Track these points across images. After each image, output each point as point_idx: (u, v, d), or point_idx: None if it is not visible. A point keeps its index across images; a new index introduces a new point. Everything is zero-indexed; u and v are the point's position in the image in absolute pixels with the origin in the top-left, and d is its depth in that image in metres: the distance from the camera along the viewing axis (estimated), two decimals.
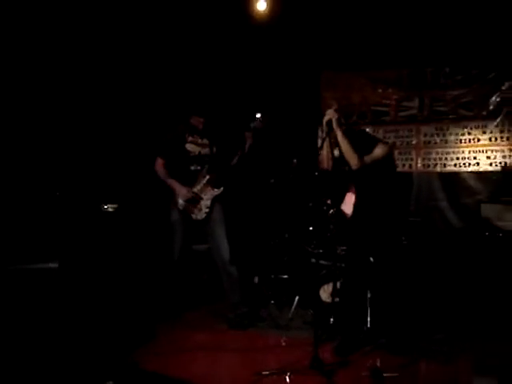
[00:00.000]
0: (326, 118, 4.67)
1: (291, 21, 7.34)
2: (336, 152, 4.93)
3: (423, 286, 5.94)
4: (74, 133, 6.89)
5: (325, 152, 4.93)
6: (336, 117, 4.60)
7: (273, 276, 6.48)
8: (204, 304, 6.33)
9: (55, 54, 6.71)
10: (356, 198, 5.05)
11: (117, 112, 7.25)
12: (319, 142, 8.15)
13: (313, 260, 5.80)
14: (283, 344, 5.09)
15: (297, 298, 5.79)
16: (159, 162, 5.56)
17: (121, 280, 6.02)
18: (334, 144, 4.75)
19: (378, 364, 4.40)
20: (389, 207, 4.87)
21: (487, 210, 6.39)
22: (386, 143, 5.43)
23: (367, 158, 4.65)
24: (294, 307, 5.76)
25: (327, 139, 4.72)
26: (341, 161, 4.79)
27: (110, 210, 6.42)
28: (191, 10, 7.01)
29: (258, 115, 5.59)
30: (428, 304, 5.79)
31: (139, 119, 7.42)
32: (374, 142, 4.86)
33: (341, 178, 5.13)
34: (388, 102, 7.73)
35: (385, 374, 4.09)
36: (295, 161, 6.36)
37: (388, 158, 4.86)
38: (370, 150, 4.71)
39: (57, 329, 4.92)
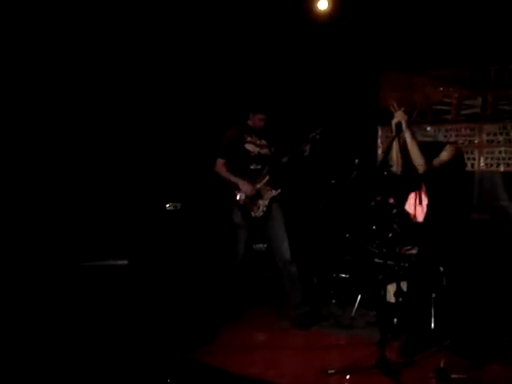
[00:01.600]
0: (395, 120, 4.66)
1: (351, 20, 7.36)
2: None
3: (489, 288, 5.85)
4: (139, 134, 7.04)
5: (394, 155, 4.87)
6: (406, 118, 4.59)
7: (334, 275, 6.51)
8: (265, 303, 6.36)
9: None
10: (428, 200, 5.03)
11: (181, 111, 7.38)
12: (379, 141, 8.17)
13: (376, 260, 5.79)
14: (347, 343, 5.12)
15: (359, 297, 5.79)
16: (220, 162, 5.63)
17: (185, 279, 6.12)
18: (403, 146, 4.71)
19: (444, 365, 4.37)
20: (460, 209, 4.82)
21: None
22: (455, 144, 5.34)
23: (435, 162, 4.61)
24: (356, 307, 5.77)
25: (396, 141, 4.69)
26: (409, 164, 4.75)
27: (174, 208, 6.53)
28: (254, 7, 7.06)
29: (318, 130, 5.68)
30: (494, 306, 5.70)
31: (201, 119, 7.54)
32: (441, 144, 4.81)
33: (407, 178, 5.09)
34: (449, 100, 7.64)
35: (452, 376, 4.07)
36: (357, 161, 6.35)
37: (457, 159, 4.80)
38: (437, 154, 4.66)
39: (121, 325, 5.05)
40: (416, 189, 6.20)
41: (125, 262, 5.78)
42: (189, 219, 6.69)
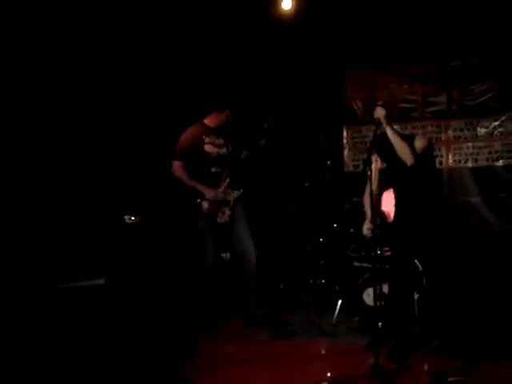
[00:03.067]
0: (374, 116, 4.52)
1: (315, 19, 7.24)
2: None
3: (467, 284, 5.80)
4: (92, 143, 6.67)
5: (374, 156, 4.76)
6: (383, 114, 4.45)
7: (311, 281, 6.35)
8: (240, 313, 6.09)
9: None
10: (397, 199, 4.92)
11: (133, 117, 7.05)
12: (344, 142, 8.08)
13: (355, 263, 5.65)
14: (332, 351, 4.94)
15: (339, 302, 5.64)
16: (178, 165, 5.31)
17: (158, 292, 5.89)
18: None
19: (439, 368, 4.22)
20: (430, 205, 4.75)
21: None
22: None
23: (417, 150, 4.52)
24: (336, 313, 5.61)
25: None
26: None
27: (133, 221, 6.28)
28: (214, 7, 6.87)
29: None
30: (476, 304, 5.64)
31: (154, 124, 7.24)
32: (409, 136, 4.71)
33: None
34: (414, 98, 7.63)
35: (450, 379, 3.93)
36: (329, 162, 6.23)
37: (430, 149, 4.75)
38: (411, 145, 4.55)
39: (102, 346, 4.78)
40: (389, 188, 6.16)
41: (101, 281, 5.51)
42: (152, 231, 6.42)
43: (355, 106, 7.97)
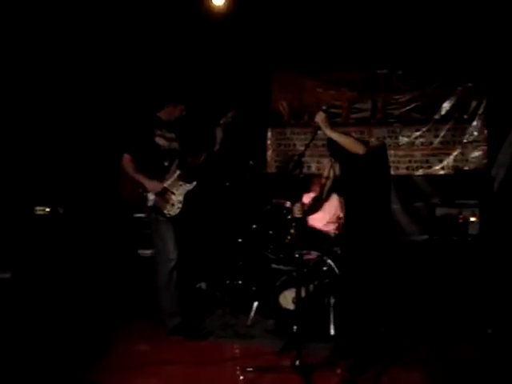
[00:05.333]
0: (315, 120, 4.50)
1: (246, 19, 7.16)
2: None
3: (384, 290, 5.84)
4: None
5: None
6: (322, 117, 4.44)
7: (228, 282, 6.24)
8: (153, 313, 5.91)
9: None
10: (346, 204, 4.93)
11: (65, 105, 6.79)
12: (268, 143, 8.05)
13: (273, 265, 5.59)
14: (245, 354, 4.86)
15: (255, 304, 5.57)
16: (126, 158, 5.16)
17: (68, 288, 5.66)
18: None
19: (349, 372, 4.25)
20: (381, 210, 4.77)
21: (441, 213, 6.34)
22: None
23: (371, 144, 4.57)
24: (252, 314, 5.53)
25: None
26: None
27: (44, 212, 6.02)
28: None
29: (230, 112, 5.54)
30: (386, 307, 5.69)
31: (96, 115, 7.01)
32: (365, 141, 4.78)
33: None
34: (340, 103, 7.66)
35: None
36: (251, 162, 6.15)
37: (383, 151, 4.80)
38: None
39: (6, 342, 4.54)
40: (308, 191, 6.17)
41: (7, 275, 5.25)
42: (64, 224, 6.17)
43: (281, 108, 7.96)
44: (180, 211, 5.26)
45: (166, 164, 5.31)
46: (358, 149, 4.41)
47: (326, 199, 5.33)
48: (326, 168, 4.97)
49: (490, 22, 6.65)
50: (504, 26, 6.61)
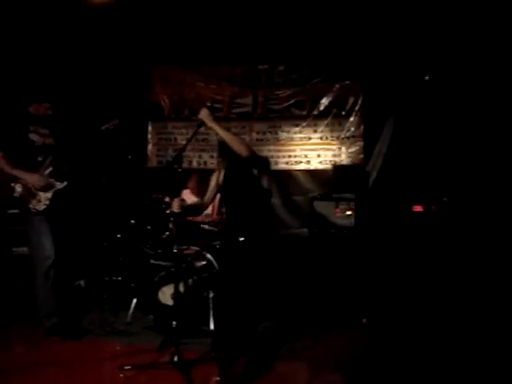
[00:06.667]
0: (199, 117, 4.44)
1: (126, 12, 6.99)
2: None
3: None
4: None
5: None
6: (206, 114, 4.39)
7: (106, 278, 6.07)
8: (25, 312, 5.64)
9: None
10: (227, 199, 4.90)
11: None
12: (149, 137, 7.93)
13: (152, 261, 5.49)
14: (124, 351, 4.74)
15: (134, 300, 5.45)
16: None
17: None
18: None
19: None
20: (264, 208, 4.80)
21: (319, 206, 6.45)
22: None
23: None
24: (131, 311, 5.41)
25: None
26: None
27: None
28: None
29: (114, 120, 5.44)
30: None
31: None
32: None
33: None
34: (221, 98, 7.65)
35: None
36: (130, 157, 6.02)
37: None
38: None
39: None
40: (188, 186, 6.13)
41: None
42: None
43: (162, 102, 7.85)
44: (47, 208, 5.09)
45: (39, 159, 5.14)
46: (242, 151, 4.40)
47: (207, 206, 5.29)
48: (215, 175, 4.92)
49: (366, 22, 6.86)
50: (379, 27, 6.84)
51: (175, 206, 4.67)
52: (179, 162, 4.41)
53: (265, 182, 6.42)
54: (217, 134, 4.58)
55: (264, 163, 5.03)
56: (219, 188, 4.84)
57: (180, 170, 4.38)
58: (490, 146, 6.27)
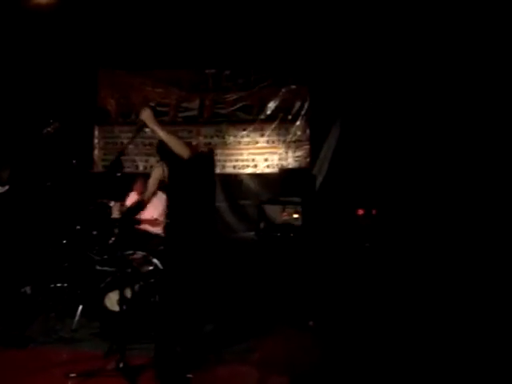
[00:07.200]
0: (140, 117, 4.38)
1: (73, 16, 6.92)
2: None
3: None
4: None
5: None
6: (149, 114, 4.33)
7: (52, 285, 5.97)
8: None
9: None
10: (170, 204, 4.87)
11: None
12: (95, 141, 7.84)
13: (98, 267, 5.44)
14: (71, 359, 4.65)
15: (80, 307, 5.38)
16: None
17: None
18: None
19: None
20: (205, 210, 4.78)
21: (266, 210, 6.50)
22: None
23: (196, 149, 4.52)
24: (77, 318, 5.34)
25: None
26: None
27: None
28: None
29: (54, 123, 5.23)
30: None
31: None
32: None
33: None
34: (168, 102, 7.63)
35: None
36: (75, 161, 5.94)
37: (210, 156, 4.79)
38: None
39: None
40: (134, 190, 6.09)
41: None
42: None
43: (109, 106, 7.78)
44: None
45: None
46: (183, 152, 4.35)
47: (149, 201, 5.24)
48: (156, 170, 4.88)
49: (313, 28, 6.96)
50: (325, 32, 6.95)
51: (115, 211, 4.64)
52: (119, 166, 4.36)
53: (211, 186, 6.42)
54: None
55: (210, 166, 5.01)
56: (161, 184, 4.80)
57: (119, 174, 4.33)
58: (430, 151, 6.43)
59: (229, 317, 5.73)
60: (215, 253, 5.28)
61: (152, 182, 4.80)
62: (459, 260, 5.91)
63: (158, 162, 4.90)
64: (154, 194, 4.96)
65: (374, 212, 6.29)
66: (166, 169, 4.78)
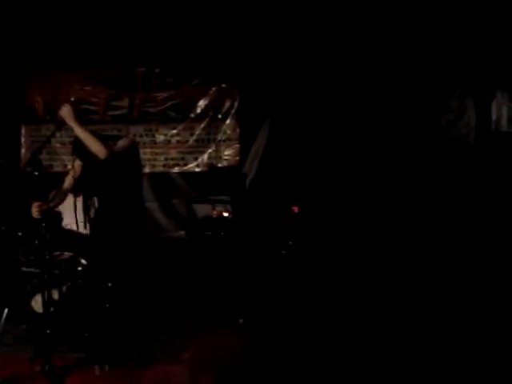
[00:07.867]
0: (60, 114, 4.32)
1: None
2: None
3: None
4: None
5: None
6: (68, 110, 4.26)
7: None
8: None
9: None
10: (100, 202, 4.82)
11: None
12: (22, 140, 7.70)
13: (23, 269, 5.35)
14: None
15: (5, 310, 5.28)
16: None
17: None
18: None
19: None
20: (132, 209, 4.76)
21: (196, 209, 6.54)
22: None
23: (116, 147, 4.46)
24: (2, 321, 5.25)
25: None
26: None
27: None
28: None
29: None
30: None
31: None
32: (115, 136, 4.67)
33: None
34: (97, 100, 7.56)
35: None
36: (0, 161, 5.83)
37: (132, 151, 4.74)
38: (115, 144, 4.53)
39: None
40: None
41: None
42: None
43: (36, 104, 7.65)
44: None
45: None
46: (100, 152, 4.29)
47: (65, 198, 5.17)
48: (76, 167, 4.82)
49: (243, 27, 7.04)
50: (255, 31, 7.03)
51: (34, 212, 4.59)
52: (36, 165, 4.30)
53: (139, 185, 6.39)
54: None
55: (134, 165, 4.95)
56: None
57: (37, 173, 4.28)
58: (355, 149, 6.60)
59: (159, 316, 5.74)
60: (144, 252, 5.27)
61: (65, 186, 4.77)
62: (385, 257, 6.09)
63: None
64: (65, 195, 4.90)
65: (295, 210, 6.40)
66: (78, 168, 4.73)
